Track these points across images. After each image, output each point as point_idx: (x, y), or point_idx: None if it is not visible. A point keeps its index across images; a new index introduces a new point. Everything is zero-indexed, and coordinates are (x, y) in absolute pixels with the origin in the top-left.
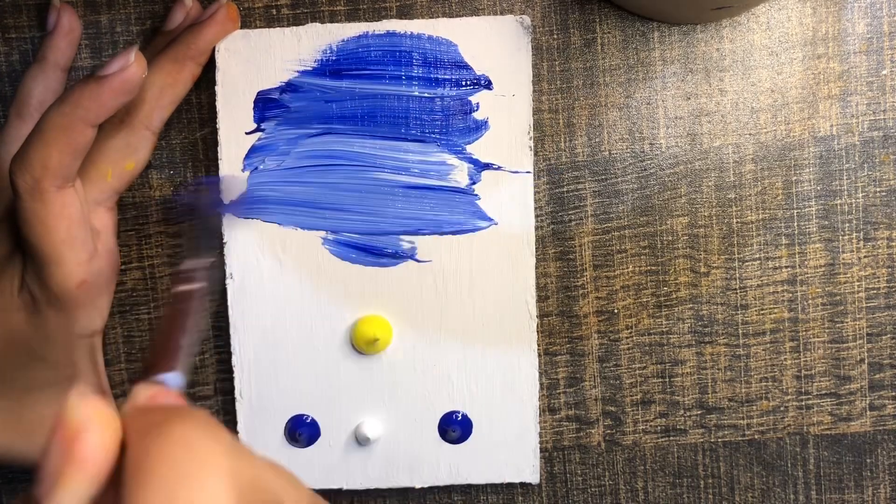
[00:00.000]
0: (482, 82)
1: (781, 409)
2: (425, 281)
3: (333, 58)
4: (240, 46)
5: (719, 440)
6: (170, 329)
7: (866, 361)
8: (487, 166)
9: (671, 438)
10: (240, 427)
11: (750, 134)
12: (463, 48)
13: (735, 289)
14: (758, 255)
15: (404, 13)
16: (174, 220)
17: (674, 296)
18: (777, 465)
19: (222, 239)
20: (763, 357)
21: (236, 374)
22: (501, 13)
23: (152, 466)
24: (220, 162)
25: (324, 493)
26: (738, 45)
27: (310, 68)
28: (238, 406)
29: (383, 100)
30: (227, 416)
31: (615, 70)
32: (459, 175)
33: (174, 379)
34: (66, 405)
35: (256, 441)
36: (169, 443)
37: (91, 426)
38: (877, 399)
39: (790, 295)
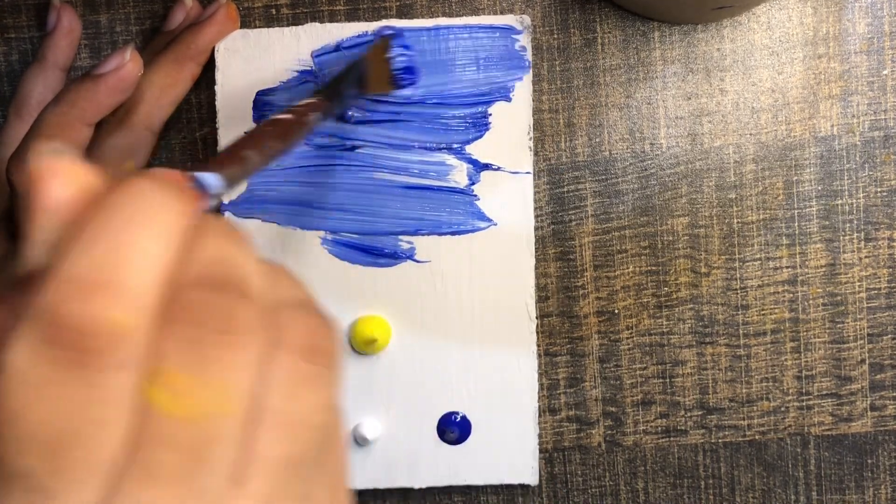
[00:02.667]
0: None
1: (782, 409)
2: (424, 281)
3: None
4: (239, 46)
5: (720, 441)
6: (241, 141)
7: (867, 362)
8: (487, 167)
9: (672, 439)
10: None
11: (750, 134)
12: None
13: (735, 289)
14: (758, 256)
15: (404, 13)
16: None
17: (674, 296)
18: (778, 465)
19: (352, 91)
20: (764, 357)
21: None
22: (501, 13)
23: (94, 207)
24: None
25: None
26: (739, 45)
27: (309, 68)
28: None
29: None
30: None
31: (615, 70)
32: (459, 175)
33: (210, 178)
34: (31, 157)
35: None
36: (118, 192)
37: (52, 175)
38: (878, 399)
39: (791, 295)
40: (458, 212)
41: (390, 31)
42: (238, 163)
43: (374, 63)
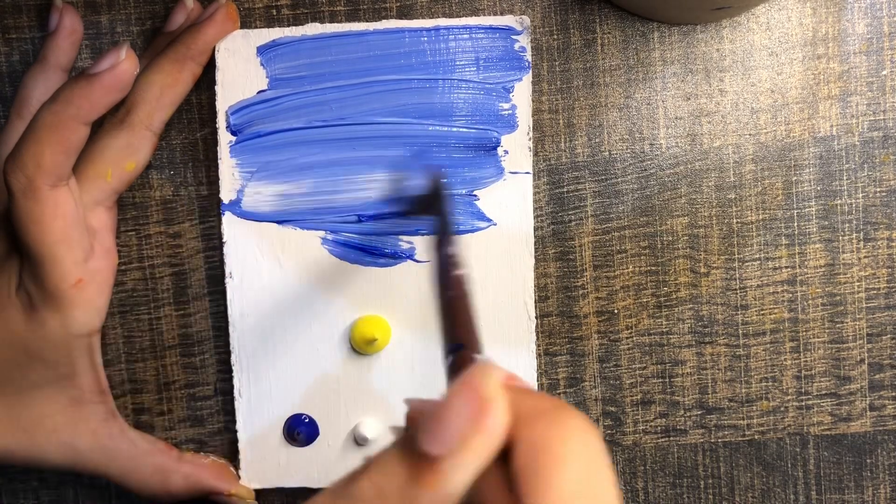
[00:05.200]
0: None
1: (781, 409)
2: (424, 281)
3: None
4: (239, 46)
5: (719, 440)
6: (463, 311)
7: (866, 362)
8: None
9: (671, 439)
10: (239, 426)
11: (750, 134)
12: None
13: (735, 289)
14: (758, 256)
15: (404, 13)
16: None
17: (674, 296)
18: (777, 465)
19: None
20: (763, 357)
21: (235, 374)
22: (501, 13)
23: (561, 454)
24: (219, 162)
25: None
26: (738, 46)
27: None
28: (237, 405)
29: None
30: (227, 416)
31: (615, 70)
32: None
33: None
34: (479, 370)
35: (255, 440)
36: (573, 435)
37: (499, 399)
38: (877, 399)
39: (790, 295)
40: (457, 211)
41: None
42: (479, 334)
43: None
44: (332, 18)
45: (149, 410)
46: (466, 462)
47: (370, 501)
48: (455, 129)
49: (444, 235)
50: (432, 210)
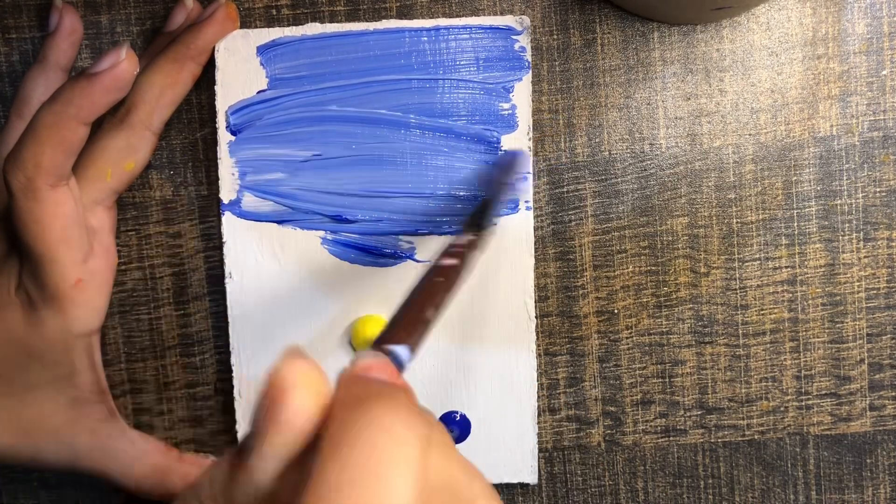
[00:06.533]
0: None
1: (781, 409)
2: None
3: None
4: (239, 46)
5: (719, 440)
6: (419, 301)
7: (866, 361)
8: None
9: (671, 439)
10: (238, 426)
11: (750, 134)
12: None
13: (735, 289)
14: (758, 256)
15: (404, 13)
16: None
17: (674, 296)
18: (777, 465)
19: (495, 217)
20: (763, 357)
21: (235, 374)
22: (501, 13)
23: (343, 444)
24: (219, 161)
25: None
26: (738, 46)
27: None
28: (237, 405)
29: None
30: (227, 416)
31: (615, 70)
32: None
33: (402, 352)
34: (283, 360)
35: None
36: (365, 423)
37: (296, 388)
38: (877, 399)
39: (790, 295)
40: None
41: (514, 153)
42: (420, 328)
43: (505, 184)
44: (332, 18)
45: (149, 410)
46: (267, 454)
47: (205, 500)
48: (455, 129)
49: (473, 224)
50: (491, 192)
